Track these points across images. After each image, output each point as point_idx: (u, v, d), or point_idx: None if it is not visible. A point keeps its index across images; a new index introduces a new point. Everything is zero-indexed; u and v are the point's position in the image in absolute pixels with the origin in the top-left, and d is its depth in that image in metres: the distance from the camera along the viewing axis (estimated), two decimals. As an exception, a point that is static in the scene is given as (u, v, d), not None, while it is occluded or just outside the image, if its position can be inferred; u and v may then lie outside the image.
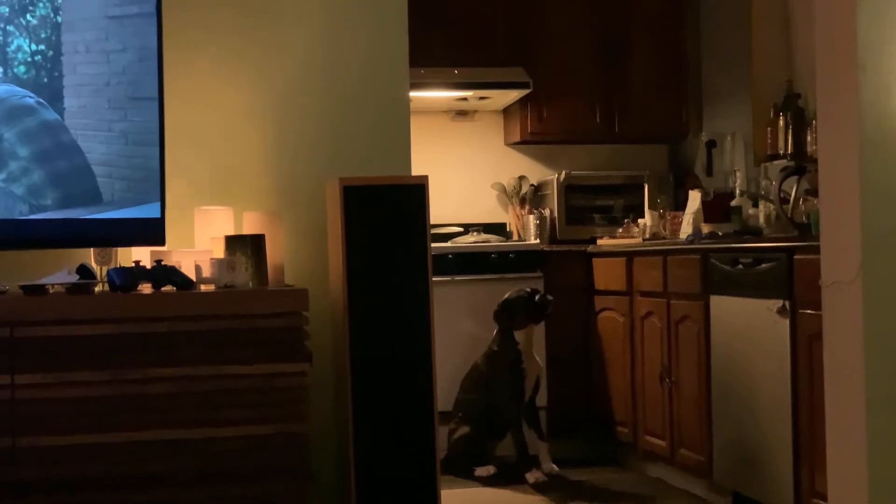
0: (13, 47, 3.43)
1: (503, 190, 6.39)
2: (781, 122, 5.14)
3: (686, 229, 5.29)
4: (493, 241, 5.87)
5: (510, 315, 5.18)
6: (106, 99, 3.53)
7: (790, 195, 4.59)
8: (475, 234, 5.95)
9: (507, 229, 6.36)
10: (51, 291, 3.31)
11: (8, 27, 3.42)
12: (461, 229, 6.07)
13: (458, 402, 5.31)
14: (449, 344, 5.12)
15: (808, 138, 4.95)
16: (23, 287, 3.28)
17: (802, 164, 4.69)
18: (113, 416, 3.22)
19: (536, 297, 5.16)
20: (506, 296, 5.22)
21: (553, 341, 5.53)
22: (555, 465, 5.22)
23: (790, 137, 5.07)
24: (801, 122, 5.05)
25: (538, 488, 4.95)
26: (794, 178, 4.60)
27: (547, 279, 5.62)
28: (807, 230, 4.24)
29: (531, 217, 6.18)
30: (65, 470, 3.19)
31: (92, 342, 3.21)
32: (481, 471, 5.19)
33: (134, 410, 3.24)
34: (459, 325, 5.48)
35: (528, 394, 5.18)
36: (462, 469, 5.18)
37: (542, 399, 5.40)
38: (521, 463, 5.13)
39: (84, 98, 3.50)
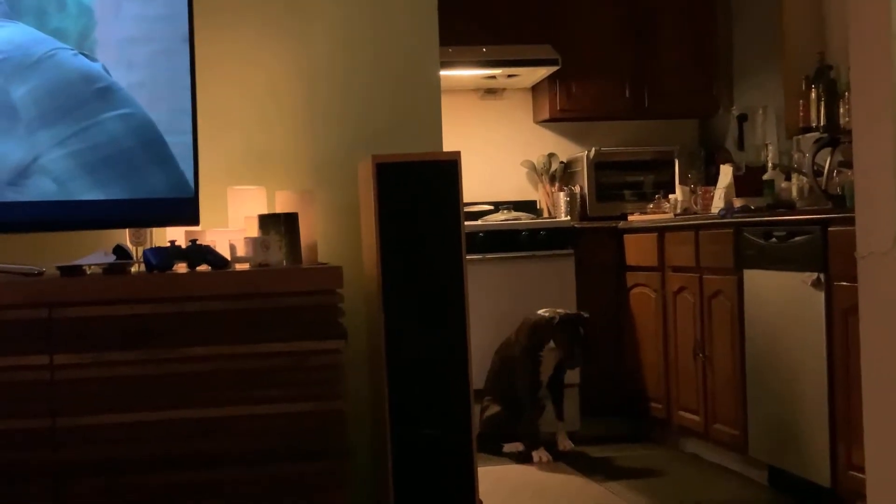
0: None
1: (533, 168, 6.38)
2: (813, 95, 5.10)
3: (718, 204, 5.27)
4: (524, 218, 5.87)
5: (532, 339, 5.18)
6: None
7: (823, 168, 4.56)
8: (505, 212, 5.94)
9: (538, 207, 6.35)
10: (87, 272, 3.33)
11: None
12: (491, 207, 6.06)
13: (488, 378, 5.32)
14: (480, 322, 5.10)
15: (841, 110, 4.92)
16: (60, 268, 3.30)
17: (835, 135, 4.65)
18: (150, 396, 3.24)
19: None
20: (534, 319, 5.17)
21: (585, 318, 5.53)
22: (570, 443, 5.24)
23: (822, 109, 5.04)
24: (833, 94, 5.01)
25: (570, 464, 4.96)
26: (828, 150, 4.56)
27: (578, 256, 5.62)
28: (841, 202, 4.21)
29: (561, 194, 6.17)
30: (103, 449, 3.21)
31: (129, 322, 3.22)
32: (510, 447, 5.21)
33: (170, 390, 3.25)
34: (490, 303, 5.48)
35: (545, 375, 5.18)
36: (493, 447, 5.21)
37: (574, 377, 5.41)
38: (529, 442, 5.16)
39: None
